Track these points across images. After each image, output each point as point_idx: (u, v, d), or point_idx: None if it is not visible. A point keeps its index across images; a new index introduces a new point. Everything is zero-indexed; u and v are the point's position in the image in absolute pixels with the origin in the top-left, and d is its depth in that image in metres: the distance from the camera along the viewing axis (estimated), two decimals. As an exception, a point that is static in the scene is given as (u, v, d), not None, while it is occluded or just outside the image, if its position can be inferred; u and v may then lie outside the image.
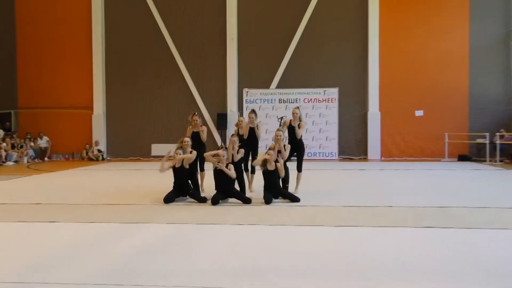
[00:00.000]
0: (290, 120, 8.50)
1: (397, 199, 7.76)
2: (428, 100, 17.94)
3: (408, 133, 18.00)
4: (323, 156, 17.91)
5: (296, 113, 8.44)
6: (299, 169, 8.47)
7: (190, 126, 8.47)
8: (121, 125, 19.42)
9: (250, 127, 8.62)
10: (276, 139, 7.87)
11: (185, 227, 5.80)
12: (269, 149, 7.61)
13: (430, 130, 17.86)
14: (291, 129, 8.43)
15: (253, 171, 8.77)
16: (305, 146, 8.78)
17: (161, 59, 19.13)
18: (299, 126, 8.41)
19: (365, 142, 18.13)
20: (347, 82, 18.22)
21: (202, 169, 8.55)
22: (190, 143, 7.98)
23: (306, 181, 10.75)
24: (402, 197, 8.00)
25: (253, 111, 8.73)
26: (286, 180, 8.00)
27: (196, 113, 8.53)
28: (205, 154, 7.75)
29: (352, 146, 18.28)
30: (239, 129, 8.82)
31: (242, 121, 8.94)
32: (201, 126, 8.47)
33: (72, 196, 8.54)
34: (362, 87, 18.28)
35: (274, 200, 7.61)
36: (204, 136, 8.43)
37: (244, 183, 8.11)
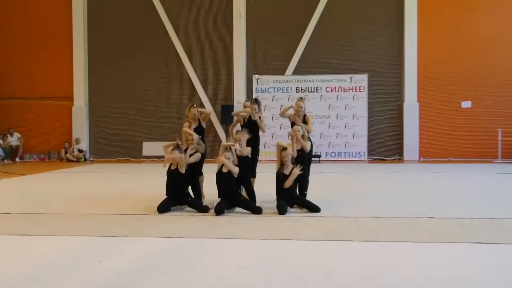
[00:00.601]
0: (294, 116, 8.34)
1: (439, 209, 7.69)
2: (478, 89, 17.78)
3: (453, 129, 17.86)
4: (349, 157, 17.85)
5: (301, 107, 8.30)
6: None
7: (186, 122, 8.42)
8: (107, 119, 19.55)
9: (249, 121, 8.54)
10: (294, 135, 7.80)
11: (182, 242, 5.78)
12: (283, 149, 7.56)
13: (480, 125, 17.71)
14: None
15: (253, 174, 8.70)
16: (312, 145, 8.59)
17: (155, 42, 19.22)
18: (305, 121, 8.27)
19: (400, 140, 18.03)
20: (379, 68, 18.13)
21: (200, 172, 8.53)
22: (197, 138, 7.99)
23: (328, 186, 10.70)
24: (446, 207, 7.93)
25: (255, 100, 8.64)
26: (304, 186, 7.95)
27: (195, 105, 8.51)
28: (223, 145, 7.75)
29: (385, 145, 18.20)
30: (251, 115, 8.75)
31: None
32: (201, 114, 8.46)
33: (48, 204, 8.58)
34: (397, 73, 18.17)
35: (289, 209, 7.58)
36: (206, 111, 8.59)
37: (253, 189, 8.11)
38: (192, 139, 8.01)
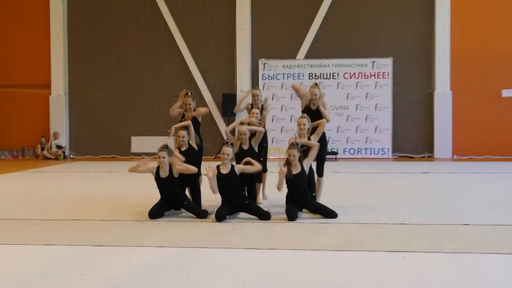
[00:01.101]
0: (309, 103, 8.37)
1: (475, 215, 7.69)
2: (521, 76, 17.73)
3: (492, 121, 17.81)
4: (371, 154, 17.85)
5: (316, 94, 8.28)
6: (320, 172, 8.39)
7: (180, 109, 8.46)
8: (90, 110, 19.59)
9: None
10: (299, 129, 7.82)
11: (178, 252, 5.81)
12: (291, 146, 7.53)
13: (524, 117, 17.67)
14: (311, 114, 8.22)
15: (264, 169, 8.70)
16: (327, 139, 8.61)
17: (145, 22, 19.25)
18: (319, 109, 8.27)
19: (431, 134, 18.00)
20: (405, 50, 18.08)
21: (198, 172, 8.56)
22: (186, 139, 7.98)
23: (346, 188, 10.71)
24: (483, 212, 7.92)
25: (256, 87, 8.90)
26: (310, 187, 7.93)
27: (190, 93, 8.52)
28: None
29: (412, 140, 18.17)
30: (254, 104, 8.83)
31: (257, 95, 8.93)
32: (194, 110, 8.47)
33: (23, 209, 8.61)
34: (427, 57, 18.12)
35: (300, 214, 7.59)
36: (202, 109, 8.60)
37: (256, 190, 8.17)
38: (183, 141, 7.97)
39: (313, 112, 8.27)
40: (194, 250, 5.89)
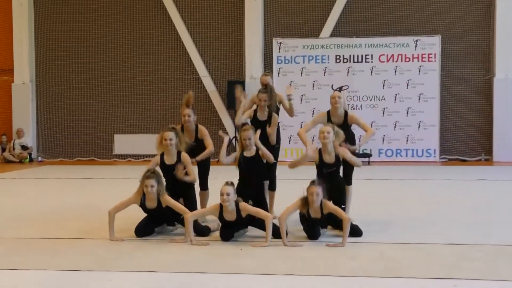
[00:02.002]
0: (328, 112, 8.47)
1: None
2: None
3: None
4: (413, 156, 17.83)
5: (339, 98, 8.33)
6: (348, 179, 8.43)
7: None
8: (62, 102, 19.66)
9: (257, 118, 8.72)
10: (322, 138, 7.81)
11: (172, 279, 5.82)
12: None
13: None
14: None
15: (273, 187, 8.79)
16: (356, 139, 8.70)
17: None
18: (346, 121, 8.36)
19: (489, 132, 17.94)
20: (457, 26, 18.00)
21: (204, 187, 8.61)
22: (174, 142, 7.95)
23: (381, 199, 10.68)
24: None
25: (267, 73, 8.94)
26: (341, 199, 7.96)
27: (191, 94, 8.53)
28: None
29: (465, 139, 18.11)
30: (258, 108, 8.83)
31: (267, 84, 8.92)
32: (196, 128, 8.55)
33: (-20, 224, 8.63)
34: (485, 34, 18.03)
35: (323, 232, 7.61)
36: (210, 143, 8.54)
37: (267, 203, 8.19)
38: (170, 144, 7.99)
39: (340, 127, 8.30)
40: (192, 276, 5.90)
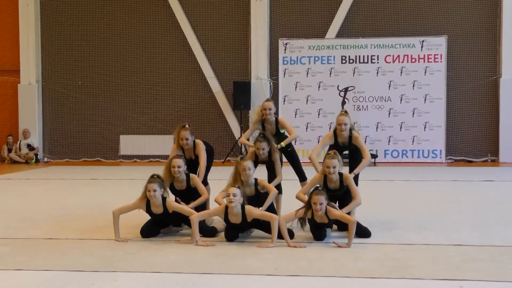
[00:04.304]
0: (334, 132, 8.45)
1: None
2: None
3: None
4: (419, 157, 17.80)
5: (345, 123, 8.29)
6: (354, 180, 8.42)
7: (175, 144, 8.60)
8: (69, 103, 19.69)
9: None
10: (328, 173, 7.76)
11: (178, 280, 5.81)
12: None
13: None
14: (341, 147, 8.39)
15: (279, 191, 8.77)
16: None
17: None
18: (351, 141, 8.33)
19: (495, 133, 17.90)
20: (464, 26, 17.96)
21: (204, 183, 8.61)
22: (184, 168, 7.96)
23: (387, 200, 10.67)
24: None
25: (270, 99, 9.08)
26: (347, 199, 7.94)
27: (187, 125, 8.49)
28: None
29: (472, 139, 18.07)
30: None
31: (269, 108, 8.86)
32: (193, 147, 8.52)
33: (-14, 224, 8.64)
34: (491, 34, 17.99)
35: (329, 232, 7.61)
36: (203, 157, 8.46)
37: (274, 207, 8.17)
38: (179, 171, 7.95)
39: (344, 149, 8.43)
40: (197, 276, 5.90)
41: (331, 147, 8.39)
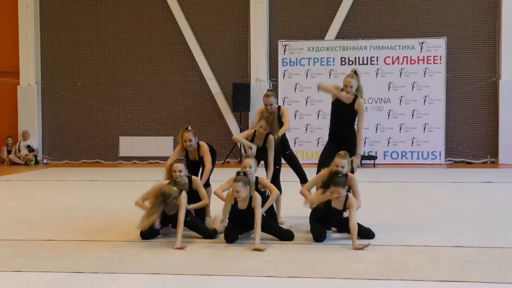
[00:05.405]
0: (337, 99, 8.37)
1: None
2: None
3: None
4: (419, 158, 17.79)
5: (351, 85, 8.20)
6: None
7: (178, 146, 8.65)
8: (68, 104, 19.68)
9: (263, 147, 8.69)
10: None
11: (178, 281, 5.82)
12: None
13: None
14: (342, 110, 8.30)
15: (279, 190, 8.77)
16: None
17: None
18: (354, 106, 8.23)
19: (495, 135, 17.89)
20: (463, 28, 17.96)
21: (206, 184, 8.62)
22: (185, 172, 7.98)
23: (387, 202, 10.67)
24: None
25: (269, 93, 8.95)
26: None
27: (190, 127, 8.53)
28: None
29: (471, 141, 18.06)
30: (256, 134, 8.81)
31: (270, 104, 8.91)
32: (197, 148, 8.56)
33: (-14, 226, 8.65)
34: (491, 36, 18.00)
35: (329, 234, 7.61)
36: (208, 160, 8.55)
37: (274, 210, 8.20)
38: (180, 175, 7.96)
39: (343, 109, 8.30)
40: (197, 278, 5.90)
41: (334, 104, 8.39)
